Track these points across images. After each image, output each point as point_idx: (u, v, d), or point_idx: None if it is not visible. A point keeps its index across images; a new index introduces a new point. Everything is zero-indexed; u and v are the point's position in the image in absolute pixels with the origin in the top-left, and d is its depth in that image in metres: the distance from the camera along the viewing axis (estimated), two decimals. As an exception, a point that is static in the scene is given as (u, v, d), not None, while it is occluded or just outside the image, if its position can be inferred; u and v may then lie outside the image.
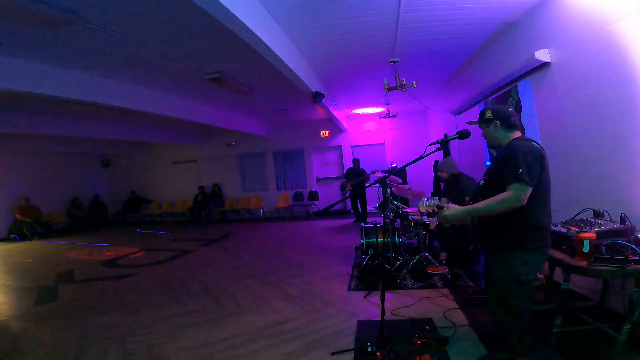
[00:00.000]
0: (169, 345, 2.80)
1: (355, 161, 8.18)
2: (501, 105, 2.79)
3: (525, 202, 1.81)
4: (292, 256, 5.52)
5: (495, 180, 1.97)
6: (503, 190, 1.87)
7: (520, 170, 1.79)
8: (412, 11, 3.46)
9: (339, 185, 8.69)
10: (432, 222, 4.09)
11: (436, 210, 1.99)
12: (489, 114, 2.09)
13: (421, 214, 4.19)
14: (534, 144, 1.98)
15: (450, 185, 4.12)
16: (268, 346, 2.66)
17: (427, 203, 2.06)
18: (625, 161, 2.44)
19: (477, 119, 2.23)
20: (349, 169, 8.23)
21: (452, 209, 1.99)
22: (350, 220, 8.42)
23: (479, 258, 4.15)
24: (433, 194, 7.91)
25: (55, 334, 3.15)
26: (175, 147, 11.44)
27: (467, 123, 2.39)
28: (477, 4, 3.42)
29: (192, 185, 11.20)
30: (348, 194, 7.73)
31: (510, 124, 2.06)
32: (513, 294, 1.98)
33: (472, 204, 2.13)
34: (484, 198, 1.97)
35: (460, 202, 2.07)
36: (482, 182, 2.15)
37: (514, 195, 1.81)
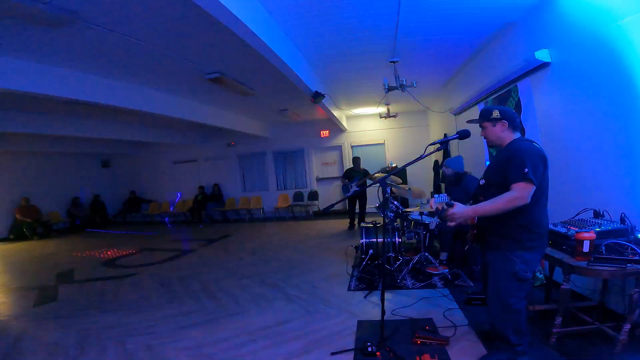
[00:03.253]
0: (169, 345, 2.80)
1: (356, 160, 7.64)
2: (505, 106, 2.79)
3: (529, 200, 1.85)
4: (292, 256, 5.52)
5: (498, 180, 2.00)
6: (505, 189, 1.90)
7: (526, 170, 1.83)
8: (412, 11, 3.46)
9: (339, 185, 8.19)
10: (432, 222, 4.08)
11: (445, 207, 2.00)
12: (496, 113, 2.10)
13: (421, 213, 4.21)
14: (536, 144, 2.02)
15: (452, 183, 4.12)
16: (268, 346, 2.66)
17: (438, 200, 2.07)
18: (625, 161, 2.44)
19: (478, 118, 2.21)
20: (349, 169, 7.67)
21: (459, 207, 2.00)
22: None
23: (478, 258, 4.15)
24: (433, 194, 7.91)
25: (55, 334, 3.14)
26: (175, 147, 11.43)
27: (467, 122, 2.37)
28: (477, 4, 3.42)
29: (192, 185, 11.20)
30: (352, 193, 7.22)
31: (515, 124, 2.11)
32: (511, 292, 2.01)
33: (472, 203, 2.15)
34: (485, 197, 2.00)
35: (463, 202, 2.08)
36: (483, 181, 2.16)
37: (520, 193, 1.84)
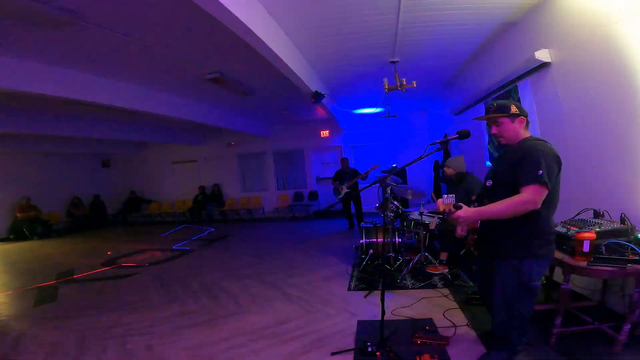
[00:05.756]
0: (169, 345, 2.80)
1: (344, 161, 7.36)
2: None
3: (540, 205, 1.74)
4: (292, 256, 5.52)
5: (509, 180, 1.86)
6: (514, 191, 1.78)
7: (541, 172, 1.70)
8: (412, 11, 3.46)
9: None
10: (432, 222, 4.08)
11: (452, 209, 1.87)
12: (514, 108, 1.93)
13: (421, 213, 4.21)
14: (549, 144, 1.88)
15: (453, 184, 4.12)
16: (268, 346, 2.67)
17: (446, 201, 1.97)
18: (625, 161, 2.44)
19: (492, 112, 2.00)
20: (338, 171, 7.42)
21: (464, 210, 1.85)
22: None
23: (476, 258, 4.15)
24: (433, 195, 7.90)
25: (55, 334, 3.15)
26: (175, 147, 11.43)
27: (480, 118, 2.16)
28: (477, 4, 3.42)
29: (192, 185, 11.20)
30: (343, 195, 7.13)
31: (528, 122, 1.98)
32: (521, 301, 1.93)
33: (477, 205, 2.05)
34: (492, 199, 1.89)
35: (465, 203, 2.02)
36: (490, 182, 2.04)
37: (531, 197, 1.72)
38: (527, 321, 2.01)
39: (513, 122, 1.95)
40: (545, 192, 1.73)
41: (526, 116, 1.97)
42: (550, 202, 1.82)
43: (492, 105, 2.01)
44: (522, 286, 1.89)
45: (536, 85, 3.51)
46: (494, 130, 2.02)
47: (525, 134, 1.97)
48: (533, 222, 1.82)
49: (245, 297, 3.80)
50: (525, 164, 1.77)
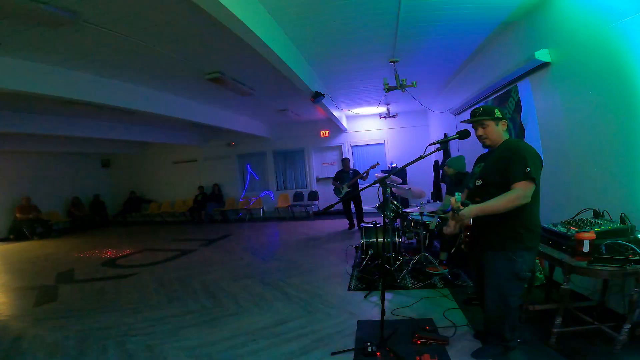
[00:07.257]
0: (169, 345, 2.80)
1: (345, 161, 7.41)
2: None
3: (530, 199, 1.88)
4: (292, 256, 5.52)
5: (497, 179, 2.00)
6: (504, 189, 1.91)
7: (529, 169, 1.86)
8: (412, 11, 3.46)
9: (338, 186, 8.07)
10: (432, 222, 4.09)
11: (461, 207, 1.94)
12: (498, 112, 2.09)
13: (421, 213, 4.21)
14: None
15: (453, 183, 4.12)
16: (268, 346, 2.67)
17: (459, 198, 2.01)
18: (625, 161, 2.44)
19: (479, 116, 2.12)
20: (339, 171, 7.42)
21: (470, 207, 1.95)
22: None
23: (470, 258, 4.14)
24: (433, 195, 7.91)
25: (55, 334, 3.15)
26: (175, 147, 11.43)
27: (466, 121, 2.26)
28: (477, 4, 3.42)
29: (192, 185, 11.20)
30: (344, 194, 7.13)
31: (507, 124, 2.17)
32: (511, 291, 2.04)
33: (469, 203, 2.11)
34: (482, 198, 2.00)
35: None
36: (480, 181, 2.14)
37: (523, 192, 1.86)
38: (517, 315, 2.12)
39: (497, 124, 2.11)
40: (533, 187, 1.88)
41: (508, 120, 2.17)
42: (535, 197, 1.95)
43: (479, 110, 2.16)
44: (514, 275, 2.00)
45: (536, 85, 3.51)
46: (480, 132, 2.16)
47: (505, 135, 2.15)
48: (524, 217, 1.96)
49: (245, 297, 3.79)
50: (514, 162, 1.93)
